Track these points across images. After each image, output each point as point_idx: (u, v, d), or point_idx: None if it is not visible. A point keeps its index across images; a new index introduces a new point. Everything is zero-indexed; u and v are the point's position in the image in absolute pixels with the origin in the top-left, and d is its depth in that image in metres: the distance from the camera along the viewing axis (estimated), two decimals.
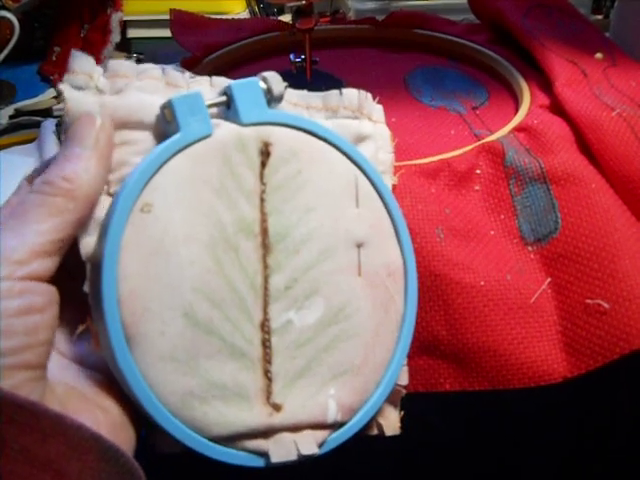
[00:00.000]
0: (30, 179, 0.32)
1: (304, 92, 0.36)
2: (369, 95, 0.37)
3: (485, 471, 0.45)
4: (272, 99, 0.33)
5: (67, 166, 0.29)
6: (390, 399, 0.35)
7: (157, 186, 0.30)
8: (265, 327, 0.32)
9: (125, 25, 0.83)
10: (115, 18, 0.80)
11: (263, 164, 0.32)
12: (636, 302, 0.34)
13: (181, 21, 0.67)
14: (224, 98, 0.33)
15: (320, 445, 0.32)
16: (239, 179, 0.31)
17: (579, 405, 0.45)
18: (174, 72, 0.33)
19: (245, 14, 0.86)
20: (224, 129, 0.32)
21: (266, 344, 0.31)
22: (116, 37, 0.80)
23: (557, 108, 0.46)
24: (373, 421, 0.35)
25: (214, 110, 0.33)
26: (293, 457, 0.31)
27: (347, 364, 0.33)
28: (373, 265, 0.34)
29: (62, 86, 0.32)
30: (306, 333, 0.32)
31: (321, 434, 0.32)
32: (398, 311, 0.34)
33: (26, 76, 0.80)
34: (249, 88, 0.33)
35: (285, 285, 0.32)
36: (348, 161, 0.34)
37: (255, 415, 0.31)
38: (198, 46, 0.62)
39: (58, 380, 0.28)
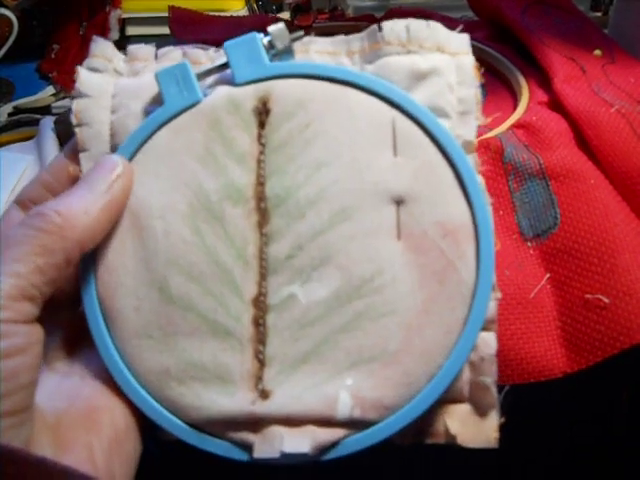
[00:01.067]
0: (19, 202, 0.31)
1: (340, 37, 0.32)
2: (435, 24, 0.31)
3: (483, 465, 0.45)
4: (278, 53, 0.30)
5: (65, 201, 0.27)
6: (475, 399, 0.29)
7: (137, 161, 0.30)
8: (259, 303, 0.28)
9: (124, 23, 0.83)
10: (114, 16, 0.80)
11: (262, 124, 0.29)
12: (636, 297, 0.34)
13: (180, 19, 0.68)
14: (220, 62, 0.30)
15: (331, 446, 0.28)
16: (230, 143, 0.29)
17: (579, 400, 0.45)
18: (195, 50, 0.32)
19: (244, 11, 0.86)
20: (214, 93, 0.30)
21: (259, 322, 0.28)
22: (115, 35, 0.79)
23: (556, 105, 0.46)
24: (438, 426, 0.29)
25: (216, 77, 0.31)
26: (275, 454, 0.27)
27: (376, 349, 0.27)
28: (420, 224, 0.28)
29: (79, 68, 0.31)
30: (315, 310, 0.28)
31: (328, 433, 0.27)
32: (463, 282, 0.28)
33: (25, 74, 0.80)
34: (246, 45, 0.30)
35: (286, 255, 0.28)
36: (382, 103, 0.29)
37: (235, 401, 0.28)
38: (197, 43, 0.62)
39: (51, 407, 0.27)
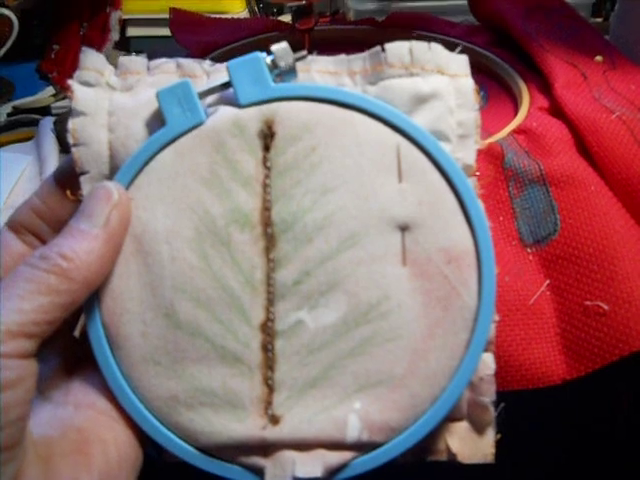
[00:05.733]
0: (11, 226, 0.30)
1: (342, 57, 0.31)
2: (436, 46, 0.30)
3: (480, 472, 0.45)
4: (282, 73, 0.30)
5: (68, 243, 0.27)
6: (473, 417, 0.30)
7: (140, 184, 0.29)
8: (267, 329, 0.28)
9: (124, 24, 0.83)
10: (114, 16, 0.79)
11: (267, 147, 0.29)
12: (636, 304, 0.34)
13: (180, 20, 0.68)
14: (221, 81, 0.30)
15: (339, 468, 0.28)
16: (235, 166, 0.29)
17: (578, 407, 0.44)
18: (190, 63, 0.31)
19: (245, 13, 0.85)
20: (218, 115, 0.29)
21: (267, 348, 0.28)
22: (115, 35, 0.79)
23: (556, 110, 0.46)
24: (439, 444, 0.30)
25: (216, 96, 0.30)
26: (288, 478, 0.28)
27: (382, 373, 0.28)
28: (425, 251, 0.28)
29: (71, 82, 0.30)
30: (322, 336, 0.28)
31: (337, 456, 0.28)
32: (466, 307, 0.28)
33: (25, 74, 0.80)
34: (249, 65, 0.29)
35: (294, 280, 0.28)
36: (387, 128, 0.29)
37: (246, 427, 0.28)
38: (197, 45, 0.62)
39: (43, 436, 0.27)
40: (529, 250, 0.38)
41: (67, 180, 0.30)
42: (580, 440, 0.47)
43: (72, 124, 0.30)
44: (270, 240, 0.28)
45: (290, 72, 0.30)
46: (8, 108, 0.72)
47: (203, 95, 0.29)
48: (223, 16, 0.74)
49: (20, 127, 0.69)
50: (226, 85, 0.29)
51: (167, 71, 0.31)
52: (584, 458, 0.48)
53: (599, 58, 0.51)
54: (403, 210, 0.28)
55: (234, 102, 0.29)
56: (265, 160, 0.29)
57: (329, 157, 0.29)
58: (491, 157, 0.42)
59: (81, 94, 0.30)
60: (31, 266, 0.26)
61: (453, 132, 0.30)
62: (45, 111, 0.71)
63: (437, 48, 0.30)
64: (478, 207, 0.29)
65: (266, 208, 0.29)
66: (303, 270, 0.28)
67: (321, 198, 0.28)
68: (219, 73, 0.31)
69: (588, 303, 0.35)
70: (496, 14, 0.61)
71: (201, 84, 0.30)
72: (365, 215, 0.28)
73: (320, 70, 0.31)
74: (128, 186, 0.29)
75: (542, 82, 0.50)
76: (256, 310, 0.28)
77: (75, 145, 0.30)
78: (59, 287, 0.25)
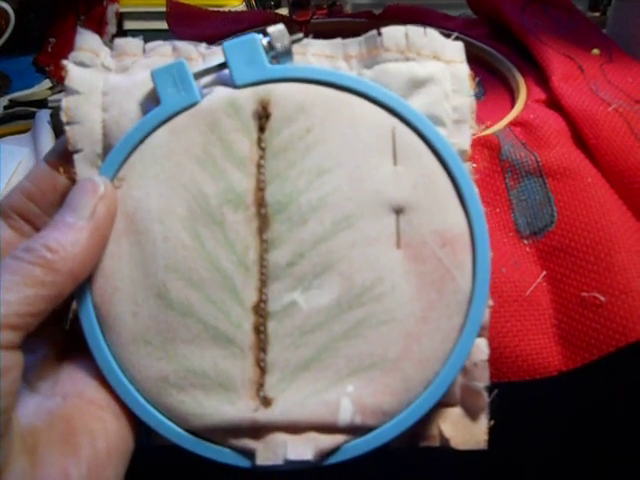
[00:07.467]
0: (0, 211, 0.30)
1: (338, 41, 0.31)
2: (432, 31, 0.30)
3: (478, 465, 0.45)
4: (278, 55, 0.29)
5: (53, 235, 0.27)
6: (466, 403, 0.30)
7: (134, 162, 0.29)
8: (260, 310, 0.28)
9: (121, 17, 0.83)
10: (111, 10, 0.80)
11: (262, 128, 0.29)
12: (632, 295, 0.34)
13: (178, 13, 0.67)
14: (217, 62, 0.29)
15: (331, 452, 0.28)
16: (229, 146, 0.28)
17: (574, 398, 0.45)
18: (186, 45, 0.31)
19: (242, 6, 0.85)
20: (213, 95, 0.29)
21: (260, 329, 0.28)
22: (112, 29, 0.79)
23: (553, 103, 0.46)
24: (432, 429, 0.30)
25: (213, 77, 0.30)
26: (279, 461, 0.27)
27: (376, 356, 0.28)
28: (419, 234, 0.28)
29: (65, 62, 0.30)
30: (316, 317, 0.28)
31: (329, 439, 0.28)
32: (460, 290, 0.28)
33: (21, 67, 0.80)
34: (245, 46, 0.29)
35: (288, 261, 0.28)
36: (383, 111, 0.29)
37: (237, 409, 0.28)
38: (195, 38, 0.61)
39: (30, 428, 0.26)
40: (526, 242, 0.38)
41: (59, 161, 0.30)
42: (576, 431, 0.48)
43: (66, 102, 0.29)
44: (264, 221, 0.28)
45: (286, 54, 0.30)
46: (5, 101, 0.72)
47: (198, 75, 0.29)
48: (220, 9, 0.74)
49: (17, 120, 0.69)
50: (222, 66, 0.29)
51: (163, 54, 0.31)
52: (579, 450, 0.48)
53: (596, 51, 0.51)
54: (398, 192, 0.28)
55: (229, 83, 0.29)
56: (260, 141, 0.29)
57: (324, 139, 0.28)
58: (488, 149, 0.42)
59: (76, 73, 0.30)
60: (16, 258, 0.26)
61: (448, 117, 0.30)
62: (42, 104, 0.71)
63: (433, 34, 0.30)
64: (473, 191, 0.28)
65: (260, 189, 0.28)
66: (297, 251, 0.28)
67: (316, 179, 0.28)
68: (215, 56, 0.31)
69: (585, 294, 0.35)
70: (494, 7, 0.61)
71: (197, 67, 0.30)
72: (360, 197, 0.28)
73: (316, 53, 0.31)
74: (122, 164, 0.29)
75: (539, 75, 0.51)
76: (249, 291, 0.28)
77: (69, 123, 0.29)
78: (44, 279, 0.25)
